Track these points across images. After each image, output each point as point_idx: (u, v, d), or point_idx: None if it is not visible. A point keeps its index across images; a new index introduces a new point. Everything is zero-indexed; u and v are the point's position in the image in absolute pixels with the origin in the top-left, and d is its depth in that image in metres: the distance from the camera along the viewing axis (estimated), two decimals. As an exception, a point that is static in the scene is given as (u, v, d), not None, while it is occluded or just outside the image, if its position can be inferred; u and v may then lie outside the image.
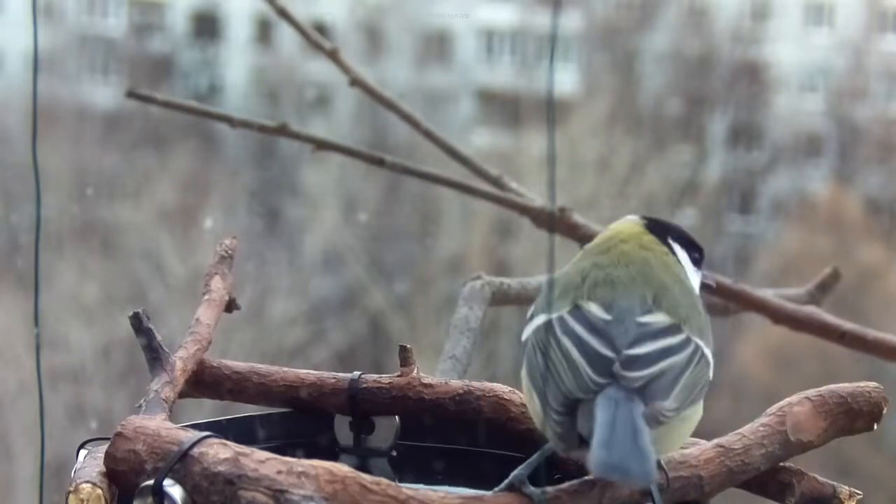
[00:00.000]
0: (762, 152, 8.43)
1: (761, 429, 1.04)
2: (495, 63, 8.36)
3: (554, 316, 0.98)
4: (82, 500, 0.93)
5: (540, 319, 0.99)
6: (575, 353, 0.95)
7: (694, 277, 1.06)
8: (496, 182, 1.73)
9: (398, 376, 1.17)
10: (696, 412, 0.98)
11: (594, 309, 0.97)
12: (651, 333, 0.96)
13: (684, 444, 1.05)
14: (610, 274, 1.00)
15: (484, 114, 8.44)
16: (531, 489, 0.95)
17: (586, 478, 0.98)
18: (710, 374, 0.99)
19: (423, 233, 7.62)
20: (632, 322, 0.97)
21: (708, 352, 0.99)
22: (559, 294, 0.99)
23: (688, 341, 0.97)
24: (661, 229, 1.05)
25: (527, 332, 1.00)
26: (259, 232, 7.24)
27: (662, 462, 1.00)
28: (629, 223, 1.05)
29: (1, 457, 6.02)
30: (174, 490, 0.91)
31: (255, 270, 6.73)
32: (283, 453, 0.92)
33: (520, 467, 0.96)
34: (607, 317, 0.97)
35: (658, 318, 0.98)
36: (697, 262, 1.07)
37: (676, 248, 1.05)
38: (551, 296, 0.99)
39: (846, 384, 1.07)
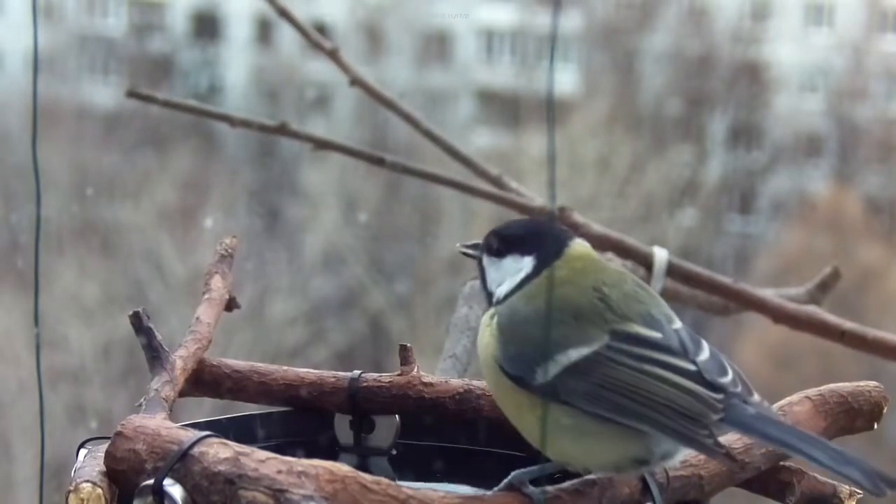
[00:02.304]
0: (762, 152, 8.43)
1: (762, 428, 1.04)
2: (495, 63, 8.36)
3: (603, 342, 0.94)
4: (82, 500, 0.93)
5: (582, 351, 0.94)
6: (678, 379, 0.93)
7: None
8: (496, 182, 1.73)
9: (398, 375, 1.17)
10: None
11: (642, 329, 0.95)
12: (691, 338, 0.96)
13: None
14: (619, 292, 0.97)
15: (484, 114, 8.43)
16: (531, 489, 0.95)
17: (586, 477, 0.98)
18: None
19: (423, 233, 7.62)
20: (671, 331, 0.96)
21: None
22: (579, 323, 0.95)
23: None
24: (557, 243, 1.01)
25: (557, 369, 0.94)
26: (259, 232, 7.24)
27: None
28: (587, 247, 1.02)
29: (1, 457, 6.02)
30: (174, 489, 0.91)
31: (255, 270, 6.73)
32: (284, 452, 0.92)
33: (521, 470, 0.96)
34: (658, 335, 0.95)
35: (677, 322, 0.98)
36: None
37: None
38: (550, 312, 0.96)
39: (846, 383, 1.07)
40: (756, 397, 0.94)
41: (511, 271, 1.00)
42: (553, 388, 0.93)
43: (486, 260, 1.01)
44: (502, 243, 1.00)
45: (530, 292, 0.97)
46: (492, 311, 0.99)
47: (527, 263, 0.99)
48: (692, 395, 0.92)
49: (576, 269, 0.99)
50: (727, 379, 0.94)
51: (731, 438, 1.03)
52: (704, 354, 0.95)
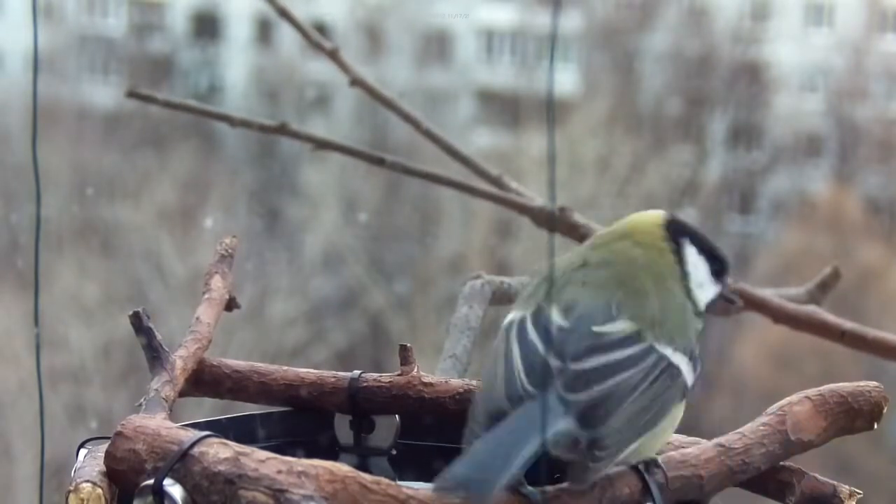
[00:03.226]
0: (762, 152, 8.43)
1: (762, 428, 1.04)
2: (495, 63, 8.36)
3: (517, 317, 0.95)
4: (82, 500, 0.93)
5: (508, 318, 0.96)
6: (517, 360, 0.92)
7: (706, 288, 1.01)
8: (496, 182, 1.73)
9: (398, 375, 1.17)
10: (657, 434, 0.95)
11: (554, 314, 0.94)
12: (605, 345, 0.93)
13: (684, 444, 1.05)
14: (587, 275, 0.96)
15: (484, 114, 8.44)
16: (529, 489, 0.95)
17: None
18: (688, 381, 0.96)
19: (423, 233, 7.62)
20: (587, 330, 0.93)
21: (680, 358, 0.95)
22: (536, 291, 0.96)
23: (648, 351, 0.94)
24: (677, 230, 1.01)
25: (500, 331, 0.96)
26: (259, 232, 7.24)
27: (661, 461, 1.00)
28: (647, 217, 1.01)
29: (1, 457, 6.02)
30: (174, 489, 0.91)
31: (255, 270, 6.73)
32: (284, 452, 0.92)
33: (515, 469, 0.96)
34: (564, 323, 0.93)
35: (617, 327, 0.94)
36: (718, 274, 1.02)
37: (690, 252, 1.01)
38: (539, 292, 0.96)
39: (846, 383, 1.07)
40: (607, 440, 0.91)
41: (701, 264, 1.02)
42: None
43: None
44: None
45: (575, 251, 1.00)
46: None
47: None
48: (511, 378, 0.91)
49: (601, 241, 1.00)
50: (577, 396, 0.90)
51: (730, 439, 1.03)
52: (590, 364, 0.91)
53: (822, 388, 1.07)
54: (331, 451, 1.16)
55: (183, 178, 7.33)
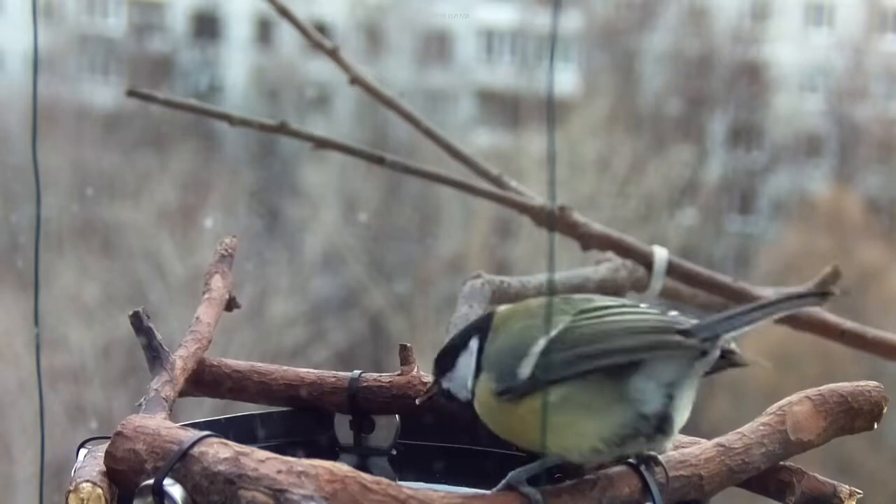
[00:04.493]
0: (762, 152, 8.43)
1: (761, 428, 1.04)
2: (495, 63, 8.36)
3: (571, 319, 0.98)
4: (82, 500, 0.93)
5: (551, 334, 0.97)
6: (644, 315, 0.98)
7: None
8: (496, 181, 1.73)
9: (398, 375, 1.17)
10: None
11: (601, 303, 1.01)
12: None
13: (684, 444, 1.05)
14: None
15: (484, 114, 8.43)
16: (528, 489, 0.95)
17: (586, 477, 0.98)
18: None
19: (423, 233, 7.62)
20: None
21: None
22: (545, 318, 0.99)
23: None
24: None
25: (534, 359, 0.97)
26: (259, 232, 7.24)
27: (661, 460, 1.00)
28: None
29: (1, 457, 6.02)
30: (174, 489, 0.91)
31: (255, 270, 6.73)
32: (284, 452, 0.92)
33: (518, 469, 0.96)
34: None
35: None
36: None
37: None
38: (550, 306, 0.98)
39: (846, 383, 1.07)
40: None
41: (467, 363, 1.02)
42: (534, 379, 0.96)
43: (446, 382, 1.04)
44: (447, 357, 1.04)
45: (499, 333, 1.01)
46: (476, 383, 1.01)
47: (473, 343, 1.02)
48: (656, 321, 0.96)
49: (532, 302, 1.04)
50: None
51: (730, 439, 1.03)
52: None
53: (822, 388, 1.07)
54: (331, 451, 1.16)
55: (183, 178, 7.33)
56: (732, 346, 0.98)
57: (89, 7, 8.01)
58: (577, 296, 1.01)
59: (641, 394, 0.96)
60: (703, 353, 0.96)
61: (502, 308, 1.04)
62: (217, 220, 6.96)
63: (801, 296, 1.03)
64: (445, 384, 1.04)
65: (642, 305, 0.99)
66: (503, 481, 0.96)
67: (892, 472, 6.54)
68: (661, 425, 0.96)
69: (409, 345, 1.18)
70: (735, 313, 0.98)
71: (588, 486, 0.97)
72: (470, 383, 1.01)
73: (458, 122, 8.12)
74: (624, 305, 0.99)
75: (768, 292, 1.72)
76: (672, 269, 1.68)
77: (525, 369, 0.97)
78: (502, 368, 0.98)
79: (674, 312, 0.98)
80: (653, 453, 0.99)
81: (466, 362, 1.02)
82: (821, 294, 1.04)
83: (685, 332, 0.95)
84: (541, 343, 0.97)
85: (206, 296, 1.21)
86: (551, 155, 0.85)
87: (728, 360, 0.99)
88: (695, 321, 0.96)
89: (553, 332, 0.97)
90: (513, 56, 8.32)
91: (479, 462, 1.15)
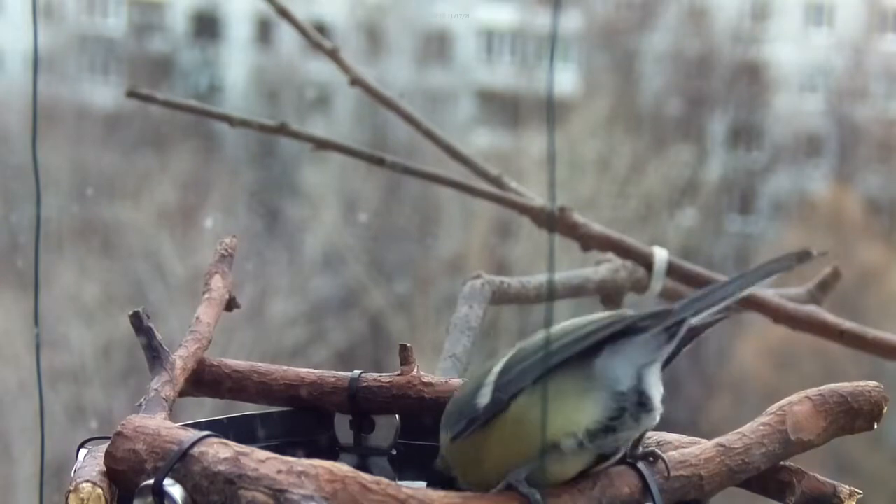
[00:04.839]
0: (762, 152, 8.43)
1: (761, 428, 1.04)
2: (495, 63, 8.36)
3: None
4: (82, 500, 0.93)
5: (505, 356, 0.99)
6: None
7: None
8: (496, 182, 1.73)
9: (398, 375, 1.17)
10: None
11: None
12: None
13: (684, 444, 1.05)
14: None
15: (484, 114, 8.43)
16: (527, 489, 0.95)
17: (587, 477, 0.98)
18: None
19: (423, 233, 7.62)
20: None
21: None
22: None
23: None
24: None
25: (492, 382, 0.98)
26: (259, 232, 7.24)
27: (662, 455, 1.00)
28: None
29: (1, 457, 6.02)
30: (174, 489, 0.91)
31: (255, 270, 6.73)
32: (284, 452, 0.92)
33: (518, 469, 0.96)
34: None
35: None
36: None
37: None
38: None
39: (846, 383, 1.07)
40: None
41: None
42: (497, 398, 0.96)
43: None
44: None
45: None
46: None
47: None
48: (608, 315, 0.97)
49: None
50: None
51: (730, 439, 1.03)
52: None
53: (822, 387, 1.07)
54: (331, 451, 1.16)
55: (183, 178, 7.33)
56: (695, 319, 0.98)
57: (89, 7, 8.01)
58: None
59: (611, 372, 0.96)
60: (670, 337, 0.97)
61: None
62: (217, 220, 6.95)
63: (772, 262, 1.04)
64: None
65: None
66: (503, 482, 0.96)
67: (892, 472, 6.54)
68: (640, 400, 0.96)
69: (409, 345, 1.18)
70: (704, 294, 0.98)
71: (588, 486, 0.97)
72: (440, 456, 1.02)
73: (458, 123, 8.12)
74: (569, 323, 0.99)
75: (769, 292, 1.72)
76: (672, 270, 1.68)
77: (483, 399, 0.97)
78: (458, 412, 0.99)
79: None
80: (653, 449, 0.99)
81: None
82: (795, 258, 1.04)
83: (644, 318, 0.96)
84: (495, 371, 0.97)
85: (206, 296, 1.21)
86: (551, 155, 0.85)
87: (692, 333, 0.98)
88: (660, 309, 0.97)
89: (503, 361, 0.98)
90: (513, 56, 8.32)
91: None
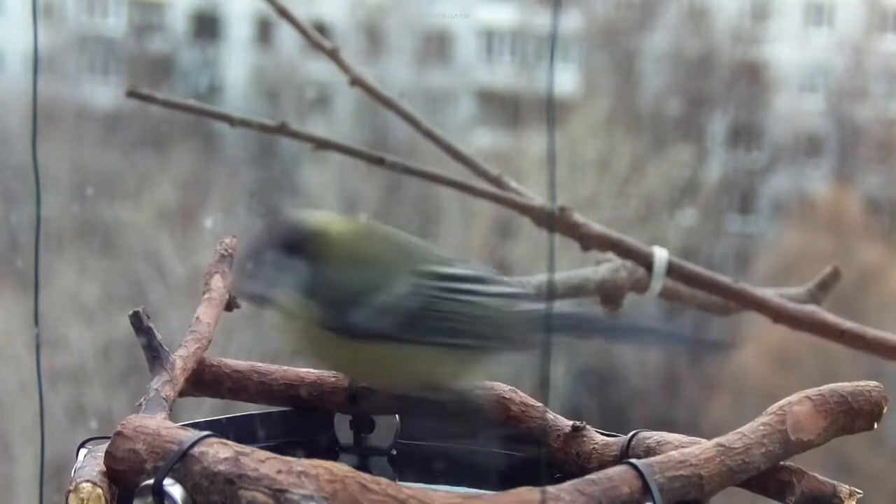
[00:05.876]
0: (762, 152, 8.44)
1: (761, 428, 1.04)
2: (495, 63, 8.37)
3: (414, 282, 1.02)
4: (82, 500, 0.93)
5: (392, 290, 1.02)
6: (493, 300, 1.02)
7: None
8: (496, 182, 1.73)
9: (398, 375, 1.17)
10: None
11: (444, 268, 1.04)
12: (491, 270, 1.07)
13: (684, 444, 1.05)
14: (411, 240, 1.08)
15: (484, 114, 8.44)
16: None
17: (586, 477, 0.98)
18: None
19: (423, 233, 7.62)
20: (472, 266, 1.06)
21: None
22: (386, 270, 1.04)
23: None
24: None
25: (371, 310, 1.02)
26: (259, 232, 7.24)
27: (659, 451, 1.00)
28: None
29: (1, 457, 6.02)
30: (174, 489, 0.91)
31: (255, 270, 6.72)
32: (284, 452, 0.92)
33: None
34: (461, 270, 1.04)
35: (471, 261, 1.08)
36: None
37: None
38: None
39: (846, 383, 1.07)
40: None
41: (285, 278, 1.06)
42: (377, 329, 1.02)
43: (253, 284, 1.09)
44: (261, 263, 1.08)
45: (335, 263, 1.05)
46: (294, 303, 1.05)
47: (298, 264, 1.05)
48: (507, 310, 1.01)
49: (366, 233, 1.09)
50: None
51: (730, 439, 1.03)
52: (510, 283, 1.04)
53: (822, 387, 1.06)
54: (331, 451, 1.16)
55: (183, 178, 7.33)
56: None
57: (89, 7, 8.02)
58: (416, 245, 1.06)
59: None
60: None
61: (334, 228, 1.07)
62: (217, 220, 6.96)
63: (670, 334, 1.07)
64: (252, 286, 1.07)
65: (491, 284, 1.03)
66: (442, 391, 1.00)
67: (892, 472, 6.55)
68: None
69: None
70: (591, 319, 1.05)
71: (588, 486, 0.97)
72: (284, 299, 1.04)
73: (458, 123, 8.13)
74: (477, 280, 1.03)
75: (769, 292, 1.72)
76: (672, 270, 1.68)
77: (371, 317, 1.02)
78: (340, 304, 1.03)
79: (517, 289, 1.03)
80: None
81: (285, 278, 1.05)
82: (694, 342, 1.08)
83: (527, 324, 1.01)
84: (382, 297, 1.02)
85: (206, 296, 1.20)
86: (551, 155, 0.85)
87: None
88: (535, 304, 1.02)
89: (402, 289, 1.02)
90: (513, 56, 8.33)
91: (479, 462, 1.15)
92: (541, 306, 1.01)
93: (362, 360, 1.04)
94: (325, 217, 1.08)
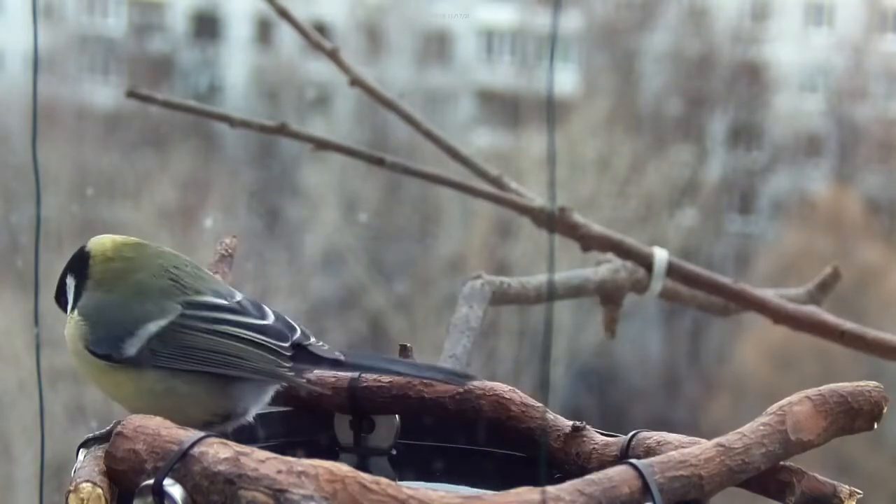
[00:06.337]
0: (762, 152, 8.44)
1: (761, 428, 1.04)
2: (495, 63, 8.37)
3: (180, 313, 1.06)
4: (82, 500, 0.93)
5: (160, 323, 1.06)
6: (251, 334, 1.06)
7: None
8: (496, 182, 1.73)
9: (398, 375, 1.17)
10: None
11: (211, 299, 1.08)
12: (255, 304, 1.10)
13: (684, 444, 1.05)
14: (187, 271, 1.10)
15: (484, 114, 8.44)
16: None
17: (586, 477, 0.98)
18: None
19: (423, 233, 7.63)
20: (237, 300, 1.09)
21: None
22: (156, 300, 1.07)
23: None
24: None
25: (141, 342, 1.06)
26: (259, 232, 7.24)
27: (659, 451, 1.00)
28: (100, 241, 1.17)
29: (1, 457, 6.02)
30: (174, 489, 0.91)
31: (255, 270, 6.73)
32: (284, 452, 0.92)
33: None
34: (225, 301, 1.08)
35: (239, 295, 1.10)
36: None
37: None
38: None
39: (846, 383, 1.07)
40: (324, 345, 1.09)
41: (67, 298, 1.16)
42: (139, 359, 1.06)
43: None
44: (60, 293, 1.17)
45: (104, 287, 1.11)
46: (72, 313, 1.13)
47: (69, 281, 1.16)
48: (262, 345, 1.05)
49: (136, 258, 1.12)
50: (296, 334, 1.08)
51: (730, 439, 1.03)
52: (270, 317, 1.08)
53: (822, 388, 1.06)
54: (331, 451, 1.16)
55: (183, 178, 7.33)
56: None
57: (89, 7, 8.02)
58: (182, 272, 1.08)
59: (240, 392, 1.07)
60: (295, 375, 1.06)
61: (99, 243, 1.15)
62: (217, 220, 6.96)
63: (449, 374, 1.12)
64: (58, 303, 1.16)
65: (247, 315, 1.07)
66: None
67: (892, 472, 6.55)
68: (243, 415, 1.08)
69: (409, 345, 1.18)
70: (350, 354, 1.09)
71: (588, 486, 0.97)
72: (68, 321, 1.13)
73: (458, 123, 8.13)
74: (230, 311, 1.07)
75: (769, 293, 1.72)
76: (672, 270, 1.68)
77: (131, 348, 1.06)
78: (104, 330, 1.09)
79: (270, 318, 1.08)
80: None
81: (64, 299, 1.16)
82: (459, 376, 1.10)
83: (284, 358, 1.06)
84: (150, 328, 1.06)
85: (207, 296, 1.20)
86: (551, 155, 0.85)
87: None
88: (300, 344, 1.07)
89: (164, 321, 1.05)
90: (513, 56, 8.33)
91: (478, 462, 1.15)
92: (285, 344, 1.06)
93: (125, 388, 1.08)
94: (102, 241, 1.16)
